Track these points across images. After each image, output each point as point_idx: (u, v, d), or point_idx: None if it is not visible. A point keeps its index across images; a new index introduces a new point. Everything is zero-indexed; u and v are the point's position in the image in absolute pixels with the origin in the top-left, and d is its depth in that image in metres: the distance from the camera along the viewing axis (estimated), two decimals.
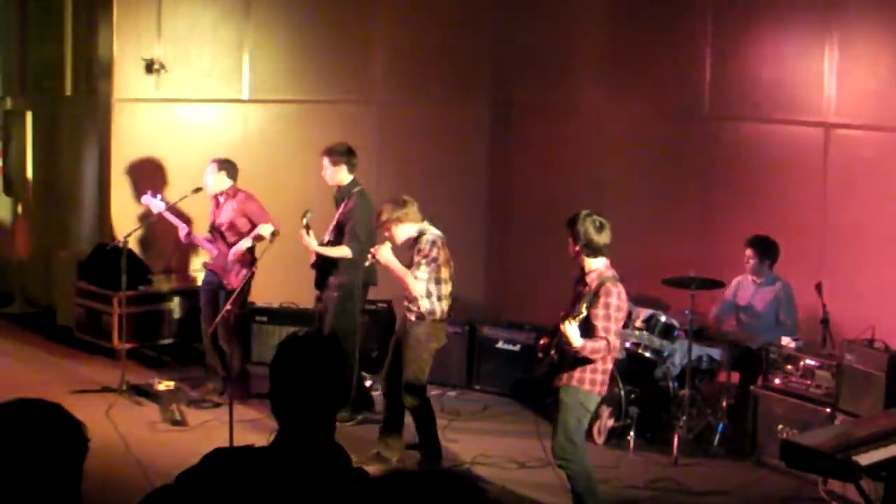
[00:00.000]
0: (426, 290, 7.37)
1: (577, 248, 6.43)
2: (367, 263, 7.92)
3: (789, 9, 9.10)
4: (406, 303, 7.53)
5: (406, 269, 7.38)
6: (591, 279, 6.41)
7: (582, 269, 6.49)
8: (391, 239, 7.50)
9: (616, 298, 6.31)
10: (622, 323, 6.51)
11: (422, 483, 1.76)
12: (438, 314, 7.44)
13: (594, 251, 6.41)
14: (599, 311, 6.29)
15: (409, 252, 7.49)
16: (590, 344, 6.27)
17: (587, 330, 6.30)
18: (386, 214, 7.44)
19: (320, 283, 8.47)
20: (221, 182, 8.80)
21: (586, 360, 6.38)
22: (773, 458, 7.36)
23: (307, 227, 8.24)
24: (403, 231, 7.42)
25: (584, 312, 6.21)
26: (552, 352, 6.56)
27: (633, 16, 10.13)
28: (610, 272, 6.43)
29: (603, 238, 6.40)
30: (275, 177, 9.92)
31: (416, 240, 7.41)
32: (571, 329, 6.19)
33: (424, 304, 7.39)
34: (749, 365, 8.26)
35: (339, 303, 8.26)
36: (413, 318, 7.46)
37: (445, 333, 7.65)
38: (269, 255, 8.94)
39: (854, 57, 8.67)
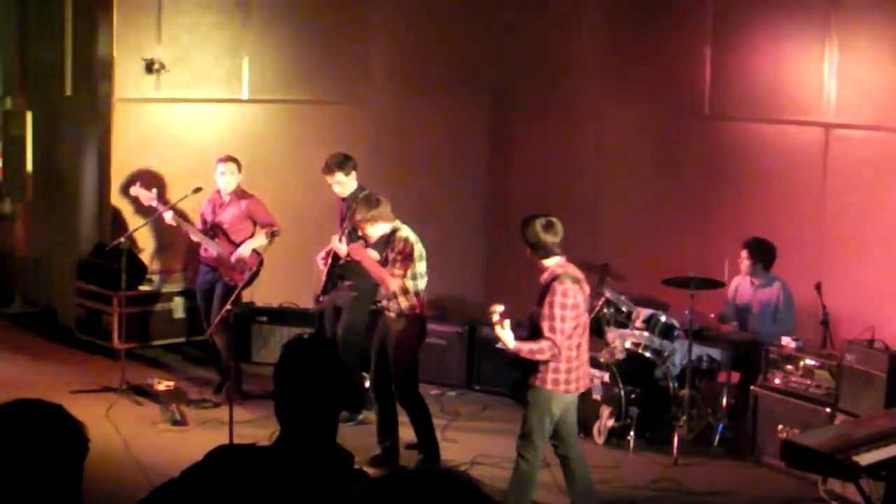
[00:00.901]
0: (403, 287, 7.39)
1: (529, 251, 6.42)
2: (341, 262, 7.93)
3: (789, 9, 9.10)
4: (384, 301, 7.55)
5: (382, 266, 7.42)
6: (544, 278, 6.37)
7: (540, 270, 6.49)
8: (365, 238, 7.53)
9: (561, 296, 6.22)
10: (576, 319, 6.33)
11: (424, 483, 1.75)
12: (418, 309, 7.48)
13: (545, 251, 6.36)
14: (545, 311, 6.24)
15: (383, 250, 7.51)
16: (527, 346, 6.25)
17: (537, 330, 6.31)
18: (360, 214, 7.44)
19: (330, 286, 8.40)
20: (234, 181, 8.82)
21: (534, 362, 6.33)
22: (773, 458, 7.36)
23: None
24: (377, 230, 7.44)
25: (498, 312, 6.19)
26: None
27: (634, 15, 10.14)
28: (561, 270, 6.35)
29: (552, 237, 6.34)
30: (274, 177, 9.92)
31: (390, 235, 7.43)
32: (503, 332, 6.21)
33: (402, 302, 7.42)
34: (749, 365, 8.26)
35: (356, 302, 8.26)
36: (393, 315, 7.48)
37: (427, 326, 7.68)
38: (268, 255, 8.95)
39: (854, 57, 8.67)
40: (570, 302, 6.25)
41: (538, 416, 6.45)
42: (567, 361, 6.34)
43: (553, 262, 6.39)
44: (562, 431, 6.60)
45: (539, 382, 6.39)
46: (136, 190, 9.02)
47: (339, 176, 8.34)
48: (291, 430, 3.00)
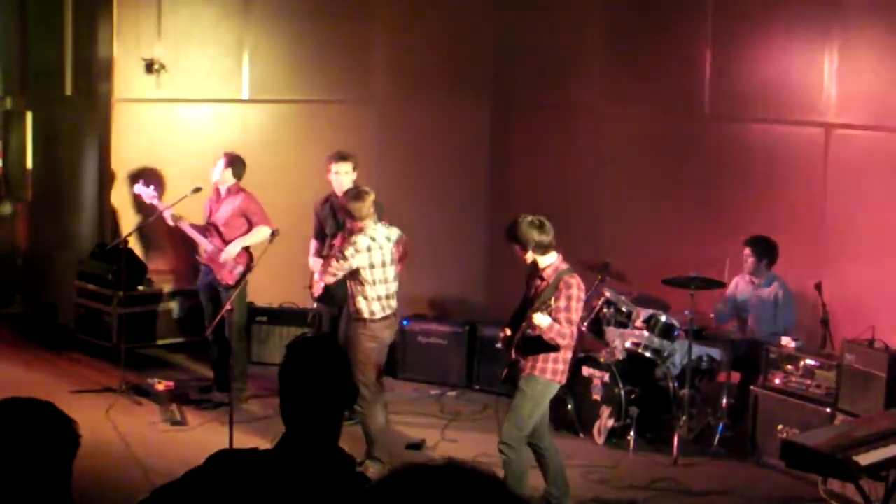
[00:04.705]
0: (350, 291, 7.33)
1: (528, 252, 6.55)
2: (316, 295, 7.92)
3: (789, 9, 9.09)
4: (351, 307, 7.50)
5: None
6: (548, 274, 6.58)
7: (535, 266, 6.63)
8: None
9: (577, 290, 6.50)
10: (579, 312, 6.65)
11: (447, 477, 1.73)
12: (367, 314, 7.30)
13: (544, 249, 6.57)
14: (562, 304, 6.45)
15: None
16: (557, 327, 6.42)
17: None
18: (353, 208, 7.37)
19: (333, 288, 8.33)
20: (227, 177, 8.81)
21: (549, 350, 6.50)
22: (773, 458, 7.37)
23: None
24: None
25: (552, 304, 6.37)
26: (512, 351, 6.72)
27: (634, 16, 10.13)
28: (565, 265, 6.60)
29: (546, 235, 6.56)
30: (274, 177, 9.91)
31: (347, 234, 7.45)
32: (542, 318, 6.36)
33: (352, 304, 7.37)
34: (749, 365, 8.26)
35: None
36: (353, 316, 7.44)
37: (392, 332, 7.53)
38: (269, 256, 8.92)
39: (854, 57, 8.66)
40: (582, 294, 6.57)
41: (532, 406, 6.63)
42: (564, 352, 6.60)
43: (554, 258, 6.60)
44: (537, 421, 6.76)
45: (539, 372, 6.60)
46: (139, 188, 9.03)
47: (347, 166, 8.31)
48: (295, 429, 3.00)
